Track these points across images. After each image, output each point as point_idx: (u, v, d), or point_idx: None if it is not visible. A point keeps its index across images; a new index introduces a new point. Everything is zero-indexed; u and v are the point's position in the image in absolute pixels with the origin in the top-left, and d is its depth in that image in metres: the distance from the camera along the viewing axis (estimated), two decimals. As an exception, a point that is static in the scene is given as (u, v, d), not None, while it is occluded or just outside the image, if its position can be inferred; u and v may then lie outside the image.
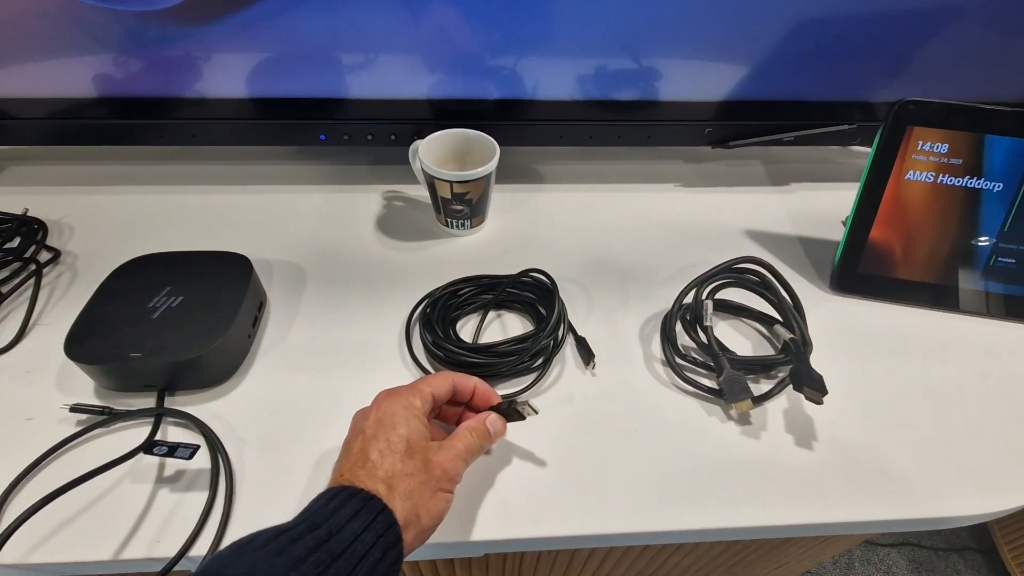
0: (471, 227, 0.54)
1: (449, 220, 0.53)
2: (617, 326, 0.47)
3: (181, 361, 0.38)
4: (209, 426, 0.38)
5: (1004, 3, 0.50)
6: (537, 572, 0.52)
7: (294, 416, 0.40)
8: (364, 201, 0.58)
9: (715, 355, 0.40)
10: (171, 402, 0.40)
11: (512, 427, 0.38)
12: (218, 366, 0.40)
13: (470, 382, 0.36)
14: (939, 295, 0.48)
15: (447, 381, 0.34)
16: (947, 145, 0.44)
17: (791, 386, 0.40)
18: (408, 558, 0.30)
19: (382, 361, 0.43)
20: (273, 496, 0.35)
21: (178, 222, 0.55)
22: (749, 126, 0.58)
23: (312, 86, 0.53)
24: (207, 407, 0.40)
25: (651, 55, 0.52)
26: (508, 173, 0.62)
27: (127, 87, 0.52)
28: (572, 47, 0.51)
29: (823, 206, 0.60)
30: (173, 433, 0.39)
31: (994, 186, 0.44)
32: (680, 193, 0.62)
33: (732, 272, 0.45)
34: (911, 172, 0.45)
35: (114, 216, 0.55)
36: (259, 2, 0.47)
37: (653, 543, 0.37)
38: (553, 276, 0.47)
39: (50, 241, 0.52)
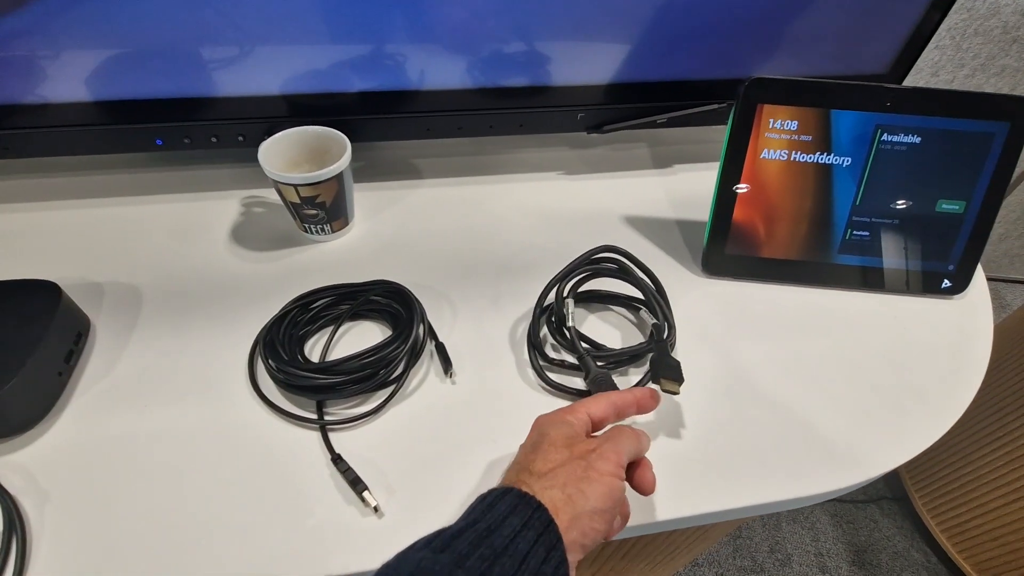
0: (333, 232, 0.50)
1: (307, 226, 0.49)
2: (486, 329, 0.44)
3: (-39, 413, 0.33)
4: (3, 484, 0.33)
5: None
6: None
7: (111, 463, 0.35)
8: (220, 209, 0.54)
9: (580, 356, 0.39)
10: (-38, 458, 0.35)
11: (355, 440, 0.36)
12: (16, 412, 0.35)
13: (630, 397, 0.33)
14: (803, 272, 0.48)
15: (604, 401, 0.33)
16: (796, 122, 0.44)
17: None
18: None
19: (226, 392, 0.39)
20: (76, 558, 0.31)
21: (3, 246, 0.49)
22: (622, 109, 0.56)
23: (143, 85, 0.47)
24: (7, 459, 0.35)
25: (519, 40, 0.50)
26: (382, 170, 0.59)
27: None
28: (436, 33, 0.48)
29: (702, 187, 0.59)
30: (-38, 495, 0.34)
31: (843, 161, 0.45)
32: (562, 181, 0.60)
33: (590, 264, 0.43)
34: (766, 151, 0.45)
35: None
36: None
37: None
38: (421, 277, 0.44)
39: None
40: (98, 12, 0.42)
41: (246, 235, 0.51)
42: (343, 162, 0.45)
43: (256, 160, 0.44)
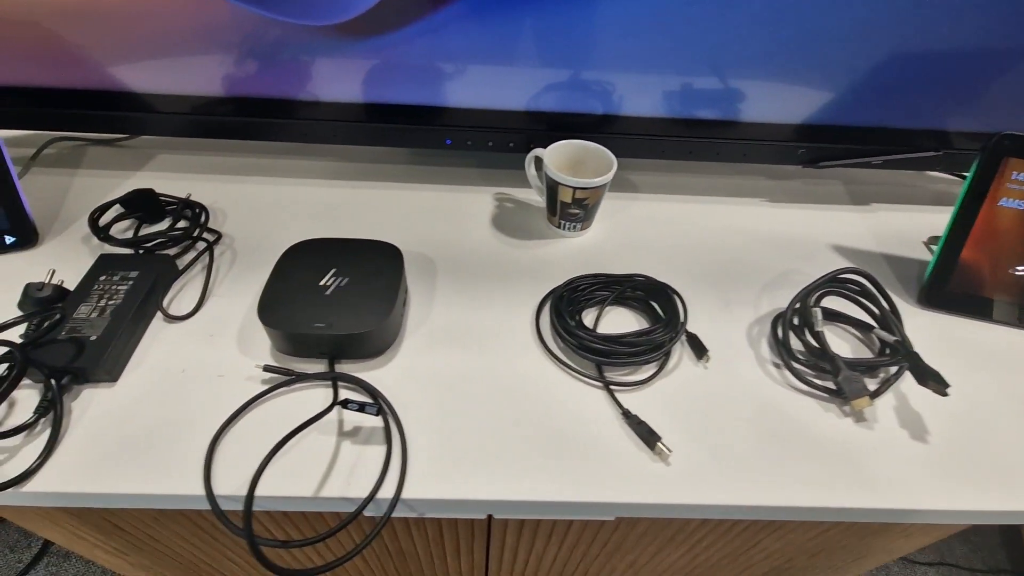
0: (580, 230, 0.59)
1: (562, 223, 0.58)
2: (721, 327, 0.51)
3: (355, 334, 0.43)
4: (380, 390, 0.43)
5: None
6: (626, 541, 0.57)
7: (444, 386, 0.45)
8: (477, 201, 0.64)
9: (831, 357, 0.44)
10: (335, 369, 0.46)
11: (629, 402, 0.43)
12: (380, 340, 0.46)
13: None
14: (1024, 314, 0.51)
15: None
16: (1041, 176, 0.48)
17: (897, 383, 0.44)
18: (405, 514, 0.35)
19: (515, 344, 0.48)
20: (434, 448, 0.41)
21: (314, 212, 0.61)
22: (838, 149, 0.62)
23: (441, 95, 0.59)
24: (369, 375, 0.45)
25: (752, 80, 0.57)
26: (606, 182, 0.68)
27: (273, 89, 0.58)
28: (674, 68, 0.56)
29: (903, 226, 0.64)
30: (344, 396, 0.44)
31: (1084, 216, 0.48)
32: (767, 208, 0.66)
33: (835, 282, 0.49)
34: (1005, 199, 0.49)
35: (258, 203, 0.61)
36: (412, 24, 0.53)
37: (760, 517, 0.41)
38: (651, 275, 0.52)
39: (208, 224, 0.58)
40: (432, 46, 0.54)
41: (503, 224, 0.61)
42: (612, 172, 0.54)
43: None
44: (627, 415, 0.43)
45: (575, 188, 0.53)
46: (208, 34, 0.54)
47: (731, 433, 0.43)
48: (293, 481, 0.38)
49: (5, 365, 0.42)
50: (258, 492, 0.37)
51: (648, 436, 0.41)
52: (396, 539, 0.53)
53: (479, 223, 0.61)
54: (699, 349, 0.48)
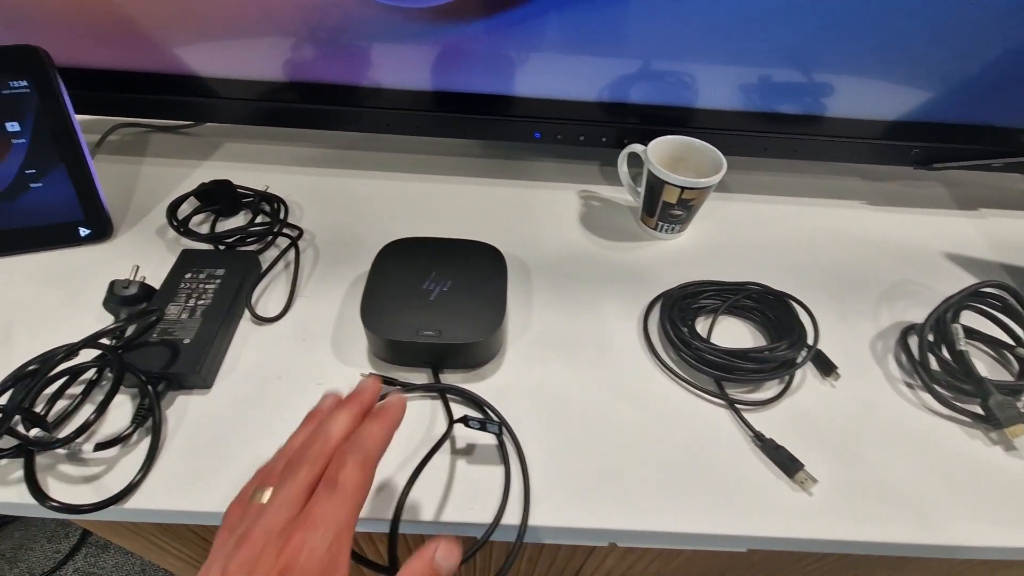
0: (678, 232, 0.55)
1: (660, 224, 0.54)
2: (844, 342, 0.47)
3: (463, 344, 0.40)
4: (492, 405, 0.40)
5: None
6: (734, 567, 0.54)
7: (553, 399, 0.42)
8: (561, 199, 0.60)
9: (978, 379, 0.41)
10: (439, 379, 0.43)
11: (756, 422, 0.39)
12: (489, 350, 0.43)
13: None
14: None
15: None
16: None
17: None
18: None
19: (624, 354, 0.45)
20: (551, 468, 0.38)
21: (391, 207, 0.58)
22: (954, 149, 0.58)
23: (531, 86, 0.55)
24: (472, 387, 0.42)
25: (860, 76, 0.53)
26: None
27: (354, 76, 0.55)
28: (779, 61, 0.52)
29: (1018, 233, 0.60)
30: (456, 411, 0.41)
31: None
32: (867, 211, 0.62)
33: (975, 295, 0.45)
34: None
35: (332, 197, 0.58)
36: (504, 10, 0.49)
37: (917, 555, 0.38)
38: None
39: (288, 218, 0.55)
40: (526, 34, 0.50)
41: (592, 224, 0.57)
42: (723, 172, 0.50)
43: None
44: (760, 438, 0.40)
45: (683, 188, 0.50)
46: (286, 15, 0.51)
47: (872, 459, 0.40)
48: (409, 503, 0.35)
49: (93, 369, 0.39)
50: (376, 515, 0.35)
51: (788, 463, 0.38)
52: (489, 556, 0.50)
53: (567, 222, 0.58)
54: (825, 366, 0.44)
